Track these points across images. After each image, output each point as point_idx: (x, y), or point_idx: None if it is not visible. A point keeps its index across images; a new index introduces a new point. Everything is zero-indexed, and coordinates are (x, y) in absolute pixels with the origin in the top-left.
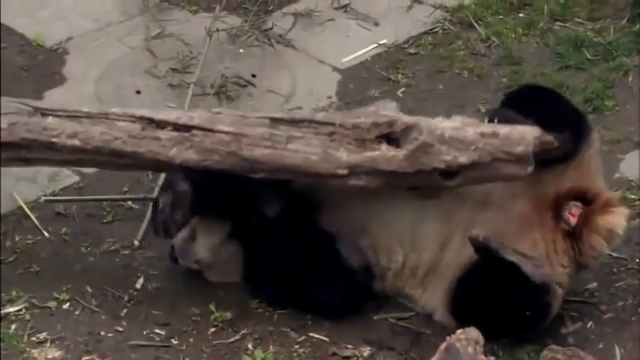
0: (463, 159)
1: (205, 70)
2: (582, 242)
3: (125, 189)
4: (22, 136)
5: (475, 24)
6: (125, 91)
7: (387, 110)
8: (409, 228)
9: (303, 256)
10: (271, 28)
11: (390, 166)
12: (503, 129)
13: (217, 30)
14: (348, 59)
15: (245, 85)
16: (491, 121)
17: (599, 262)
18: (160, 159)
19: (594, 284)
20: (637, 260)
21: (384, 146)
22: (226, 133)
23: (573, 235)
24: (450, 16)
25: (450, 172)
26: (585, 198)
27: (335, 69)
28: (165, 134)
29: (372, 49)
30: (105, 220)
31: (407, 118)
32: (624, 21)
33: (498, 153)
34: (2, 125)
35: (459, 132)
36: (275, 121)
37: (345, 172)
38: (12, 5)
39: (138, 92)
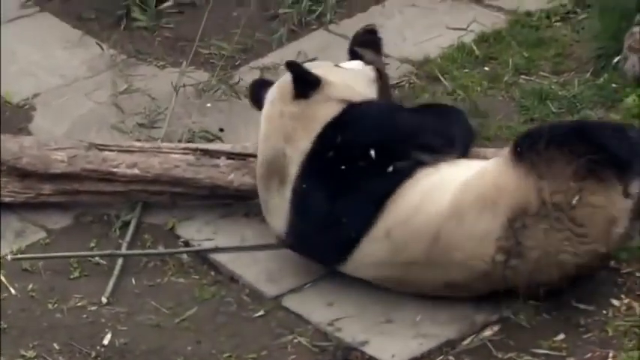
0: None
1: (173, 124)
2: None
3: (92, 244)
4: (83, 166)
5: (441, 77)
6: None
7: None
8: None
9: None
10: (238, 82)
11: None
12: None
13: (184, 85)
14: None
15: (213, 140)
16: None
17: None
18: (218, 184)
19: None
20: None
21: None
22: None
23: None
24: (416, 70)
25: None
26: None
27: None
28: (222, 162)
29: None
30: (72, 276)
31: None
32: (588, 74)
33: None
34: (62, 158)
35: None
36: None
37: None
38: None
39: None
